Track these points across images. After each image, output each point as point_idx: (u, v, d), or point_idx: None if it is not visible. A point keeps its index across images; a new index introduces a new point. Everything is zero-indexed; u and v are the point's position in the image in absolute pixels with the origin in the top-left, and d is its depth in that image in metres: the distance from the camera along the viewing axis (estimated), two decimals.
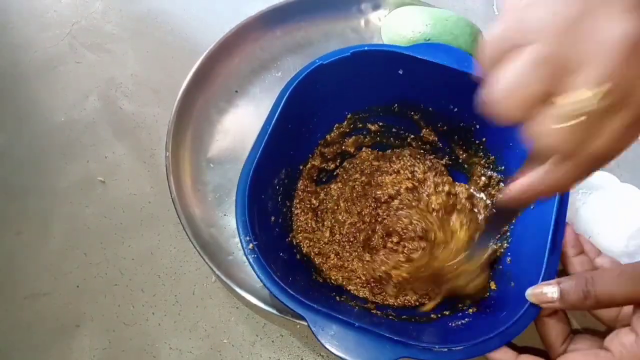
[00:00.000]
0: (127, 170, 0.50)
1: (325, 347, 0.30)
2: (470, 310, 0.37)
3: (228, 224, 0.47)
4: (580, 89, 0.19)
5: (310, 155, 0.45)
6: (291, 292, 0.32)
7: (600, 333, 0.32)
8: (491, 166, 0.44)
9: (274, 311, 0.40)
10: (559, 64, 0.19)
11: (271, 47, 0.55)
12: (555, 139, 0.20)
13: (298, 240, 0.42)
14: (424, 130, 0.46)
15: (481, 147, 0.44)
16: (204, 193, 0.48)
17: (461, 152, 0.45)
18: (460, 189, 0.44)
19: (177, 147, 0.48)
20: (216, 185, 0.49)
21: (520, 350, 0.32)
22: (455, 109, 0.43)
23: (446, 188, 0.44)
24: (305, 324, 0.39)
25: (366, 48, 0.40)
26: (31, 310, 0.45)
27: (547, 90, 0.20)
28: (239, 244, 0.45)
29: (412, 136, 0.47)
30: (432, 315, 0.38)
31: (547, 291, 0.31)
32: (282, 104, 0.38)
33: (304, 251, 0.42)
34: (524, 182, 0.24)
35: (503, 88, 0.20)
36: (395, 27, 0.50)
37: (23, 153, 0.52)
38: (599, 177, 0.45)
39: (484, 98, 0.21)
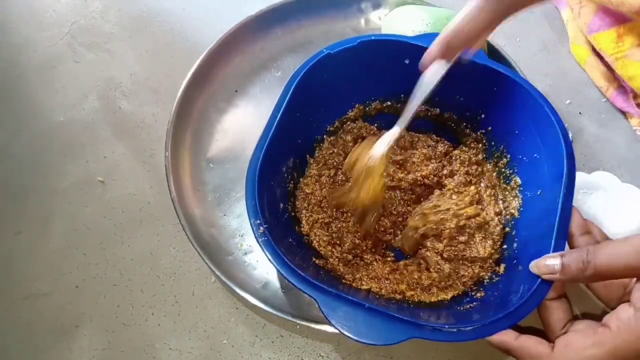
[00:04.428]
0: (126, 170, 0.50)
1: (336, 328, 0.30)
2: (478, 294, 0.37)
3: (228, 224, 0.47)
4: None
5: (317, 145, 0.45)
6: (302, 273, 0.32)
7: (599, 317, 0.32)
8: (497, 154, 0.44)
9: (274, 311, 0.40)
10: None
11: (271, 46, 0.55)
12: None
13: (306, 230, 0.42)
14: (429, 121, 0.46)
15: (487, 135, 0.44)
16: (204, 193, 0.48)
17: (469, 141, 0.46)
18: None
19: (177, 147, 0.48)
20: (216, 185, 0.49)
21: (521, 330, 0.32)
22: (462, 99, 0.43)
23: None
24: (305, 324, 0.40)
25: (373, 37, 0.40)
26: (31, 310, 0.44)
27: None
28: (239, 244, 0.46)
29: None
30: (438, 299, 0.39)
31: (549, 263, 0.31)
32: (290, 92, 0.38)
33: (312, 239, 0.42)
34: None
35: None
36: (396, 26, 0.49)
37: (22, 153, 0.52)
38: (600, 177, 0.45)
39: None
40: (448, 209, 0.42)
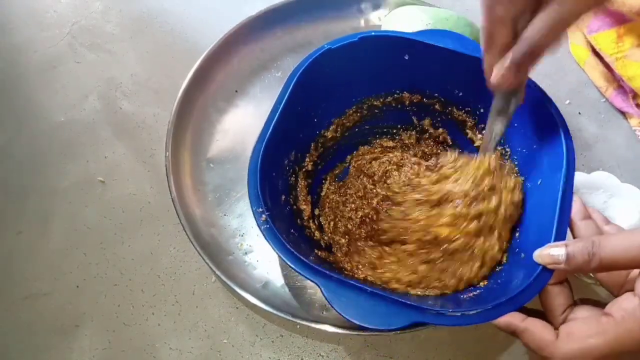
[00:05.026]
0: (127, 170, 0.50)
1: (339, 313, 0.30)
2: (481, 283, 0.37)
3: (228, 224, 0.47)
4: None
5: (315, 143, 0.45)
6: (304, 259, 0.32)
7: (600, 304, 0.32)
8: (498, 148, 0.44)
9: (274, 311, 0.40)
10: None
11: (271, 47, 0.55)
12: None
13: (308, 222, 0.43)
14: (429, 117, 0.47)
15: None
16: (204, 193, 0.48)
17: (471, 133, 0.46)
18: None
19: (177, 147, 0.48)
20: (216, 185, 0.49)
21: (528, 313, 0.33)
22: (461, 94, 0.43)
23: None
24: (305, 323, 0.40)
25: (373, 33, 0.41)
26: (31, 310, 0.45)
27: None
28: (239, 244, 0.46)
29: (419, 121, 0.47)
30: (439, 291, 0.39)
31: (554, 252, 0.31)
32: (291, 86, 0.39)
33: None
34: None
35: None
36: (395, 27, 0.50)
37: (23, 153, 0.52)
38: (599, 177, 0.45)
39: None
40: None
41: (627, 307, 0.29)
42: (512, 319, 0.32)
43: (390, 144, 0.48)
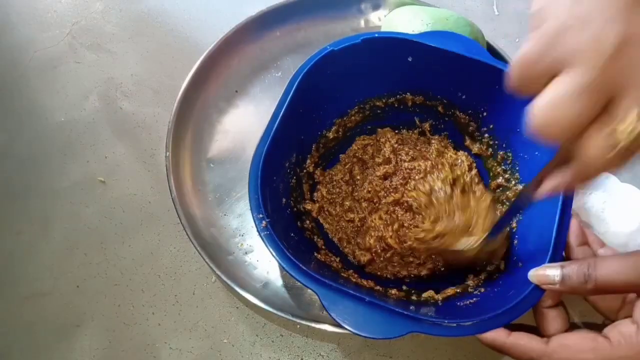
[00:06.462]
0: (127, 170, 0.51)
1: (337, 321, 0.30)
2: (478, 290, 0.37)
3: (228, 223, 0.47)
4: (630, 114, 0.20)
5: (316, 144, 0.45)
6: (303, 267, 0.32)
7: (598, 326, 0.32)
8: (500, 153, 0.44)
9: (274, 311, 0.40)
10: (604, 90, 0.20)
11: (271, 47, 0.55)
12: (606, 163, 0.21)
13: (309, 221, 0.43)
14: (432, 119, 0.47)
15: (489, 133, 0.44)
16: (204, 193, 0.48)
17: (470, 140, 0.46)
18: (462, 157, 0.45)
19: (177, 147, 0.48)
20: (216, 185, 0.49)
21: (512, 328, 0.32)
22: (464, 97, 0.43)
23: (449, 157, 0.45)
24: (305, 323, 0.40)
25: (376, 35, 0.41)
26: (31, 310, 0.45)
27: (590, 115, 0.20)
28: (239, 244, 0.46)
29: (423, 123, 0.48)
30: (439, 296, 0.39)
31: (549, 273, 0.31)
32: (293, 88, 0.39)
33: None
34: (549, 185, 0.26)
35: (546, 115, 0.21)
36: (395, 27, 0.50)
37: (23, 153, 0.52)
38: (599, 177, 0.45)
39: (528, 124, 0.22)
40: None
41: (624, 333, 0.29)
42: (497, 335, 0.32)
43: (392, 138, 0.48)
